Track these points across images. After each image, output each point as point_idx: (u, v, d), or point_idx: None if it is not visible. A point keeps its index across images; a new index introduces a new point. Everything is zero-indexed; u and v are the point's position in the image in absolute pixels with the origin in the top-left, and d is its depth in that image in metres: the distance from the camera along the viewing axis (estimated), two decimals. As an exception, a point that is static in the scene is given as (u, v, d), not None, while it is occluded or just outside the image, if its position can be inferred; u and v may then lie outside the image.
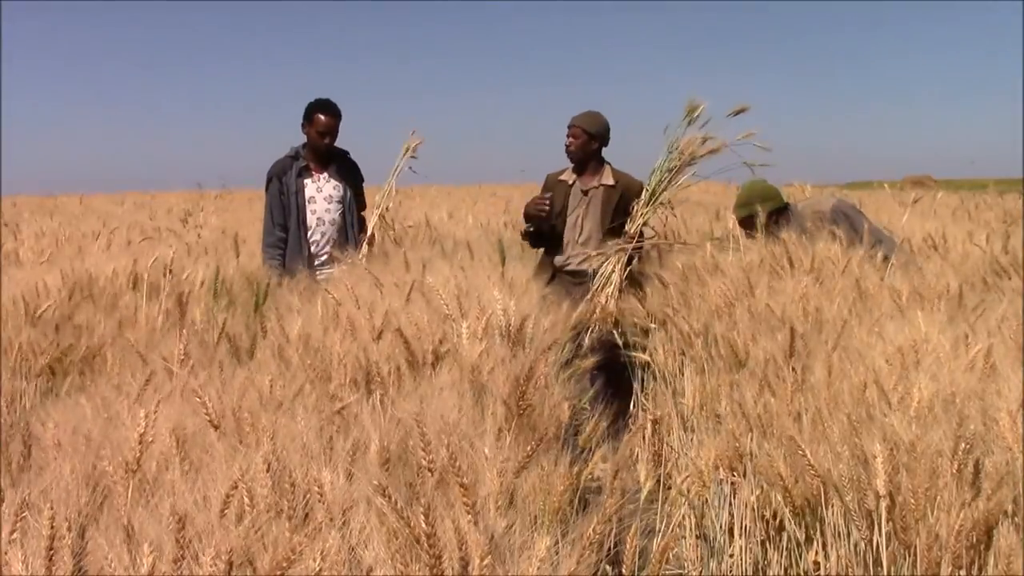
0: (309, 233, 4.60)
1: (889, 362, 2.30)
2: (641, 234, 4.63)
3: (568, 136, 4.75)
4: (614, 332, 4.43)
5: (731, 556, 2.51)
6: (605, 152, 4.82)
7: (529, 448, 1.67)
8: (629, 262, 4.54)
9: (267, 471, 1.49)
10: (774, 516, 2.41)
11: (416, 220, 7.33)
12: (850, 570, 2.08)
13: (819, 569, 2.23)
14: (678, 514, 2.64)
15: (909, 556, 1.82)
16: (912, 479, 1.82)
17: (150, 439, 1.63)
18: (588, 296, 4.44)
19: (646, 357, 3.99)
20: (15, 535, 1.34)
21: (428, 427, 1.62)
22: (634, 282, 4.55)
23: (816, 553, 2.24)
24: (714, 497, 2.55)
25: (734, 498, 2.51)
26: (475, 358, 2.27)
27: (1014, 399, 1.94)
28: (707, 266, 4.02)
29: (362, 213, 4.83)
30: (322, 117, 4.59)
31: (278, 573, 1.27)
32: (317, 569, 1.29)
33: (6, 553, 1.30)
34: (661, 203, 4.66)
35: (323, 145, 4.61)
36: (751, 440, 2.50)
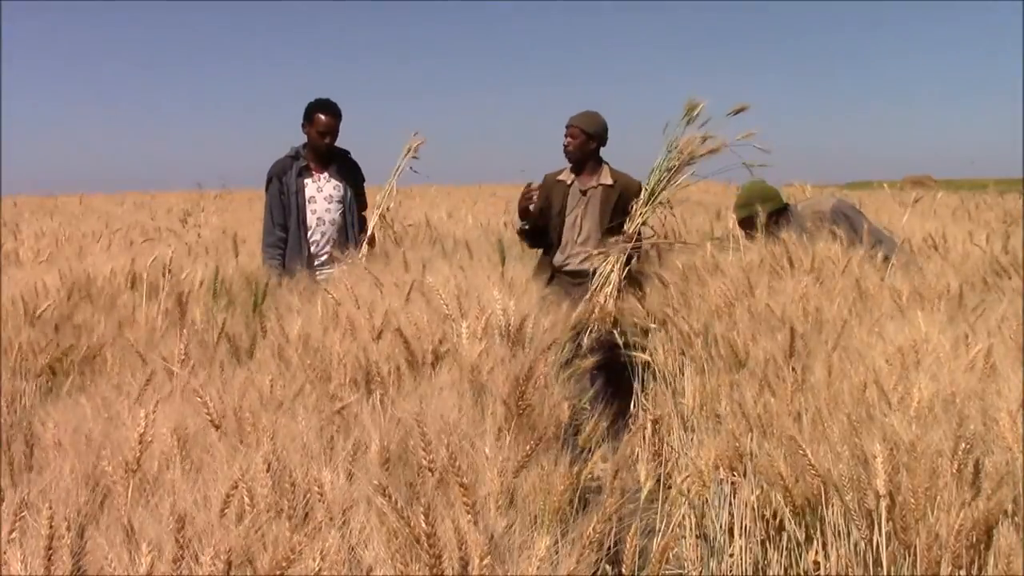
0: (309, 233, 4.60)
1: (889, 362, 2.30)
2: (639, 233, 4.63)
3: (566, 136, 4.75)
4: (614, 332, 4.43)
5: (731, 556, 2.51)
6: (603, 152, 4.82)
7: (528, 447, 1.67)
8: (628, 262, 4.54)
9: (267, 471, 1.49)
10: (774, 516, 2.41)
11: (416, 220, 7.32)
12: (850, 570, 2.07)
13: (819, 569, 2.23)
14: (678, 514, 2.64)
15: (909, 556, 1.82)
16: (912, 479, 1.82)
17: (150, 439, 1.63)
18: (587, 296, 4.44)
19: (646, 357, 3.99)
20: (14, 535, 1.34)
21: (428, 427, 1.62)
22: (633, 282, 4.55)
23: (816, 553, 2.24)
24: (714, 497, 2.55)
25: (734, 498, 2.51)
26: (475, 358, 2.27)
27: (1014, 399, 1.94)
28: (707, 266, 4.02)
29: (363, 213, 4.83)
30: (322, 117, 4.59)
31: (277, 573, 1.27)
32: (316, 569, 1.29)
33: (5, 553, 1.30)
34: (660, 203, 4.65)
35: (323, 145, 4.61)
36: (751, 440, 2.50)
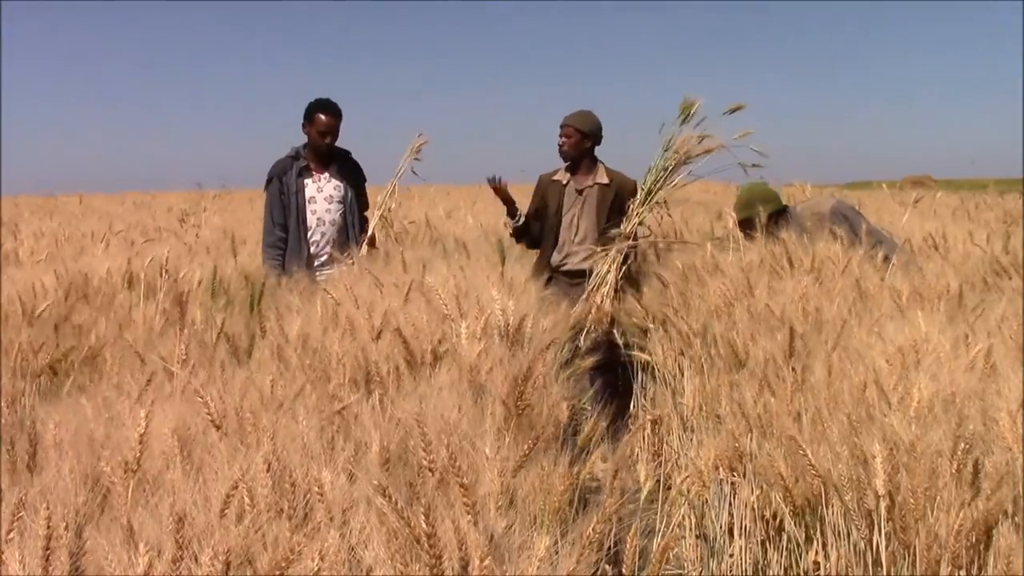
0: (309, 233, 4.59)
1: (889, 362, 2.30)
2: (636, 233, 4.62)
3: (561, 136, 4.74)
4: (613, 332, 4.43)
5: (731, 556, 2.50)
6: (599, 151, 4.82)
7: (526, 447, 1.67)
8: (624, 261, 4.54)
9: (267, 471, 1.48)
10: (774, 516, 2.41)
11: (416, 219, 7.32)
12: (850, 570, 2.07)
13: (819, 569, 2.23)
14: (678, 514, 2.63)
15: (909, 556, 1.82)
16: (912, 479, 1.82)
17: (150, 439, 1.63)
18: (584, 296, 4.43)
19: (646, 356, 3.99)
20: (12, 535, 1.33)
21: (428, 427, 1.62)
22: (631, 282, 4.55)
23: (816, 553, 2.23)
24: (714, 497, 2.54)
25: (734, 498, 2.51)
26: (474, 358, 2.27)
27: (1014, 399, 1.94)
28: (707, 266, 4.02)
29: (364, 213, 4.82)
30: (323, 117, 4.58)
31: (277, 573, 1.27)
32: (316, 569, 1.29)
33: (2, 553, 1.30)
34: (657, 202, 4.65)
35: (324, 145, 4.60)
36: (751, 440, 2.50)
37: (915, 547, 1.79)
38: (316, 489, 1.48)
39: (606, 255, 4.49)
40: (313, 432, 1.71)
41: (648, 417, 3.07)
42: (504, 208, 4.89)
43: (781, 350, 2.65)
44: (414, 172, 4.84)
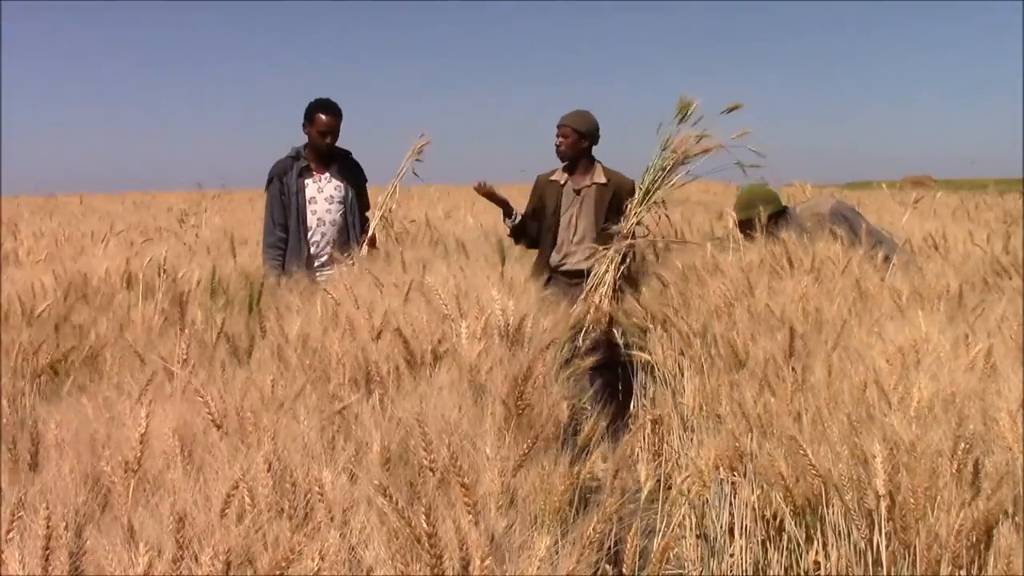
0: (309, 234, 4.59)
1: (889, 362, 2.30)
2: (634, 233, 4.62)
3: (558, 136, 4.74)
4: (613, 332, 4.43)
5: (731, 556, 2.50)
6: (596, 151, 4.81)
7: (525, 446, 1.67)
8: (623, 261, 4.53)
9: (268, 471, 1.48)
10: (774, 516, 2.41)
11: (416, 219, 7.32)
12: (850, 570, 2.07)
13: (819, 569, 2.23)
14: (678, 514, 2.63)
15: (909, 556, 1.82)
16: (912, 479, 1.82)
17: (151, 439, 1.63)
18: (582, 296, 4.43)
19: (646, 356, 3.99)
20: (11, 535, 1.33)
21: (429, 427, 1.62)
22: (629, 281, 4.55)
23: (816, 553, 2.23)
24: (714, 497, 2.54)
25: (734, 498, 2.51)
26: (474, 358, 2.27)
27: (1014, 399, 1.94)
28: (707, 266, 4.02)
29: (366, 214, 4.82)
30: (323, 116, 4.57)
31: (277, 573, 1.27)
32: (316, 569, 1.29)
33: (2, 552, 1.30)
34: (655, 202, 4.64)
35: (324, 145, 4.60)
36: (751, 440, 2.50)
37: (915, 547, 1.79)
38: (317, 489, 1.48)
39: (605, 254, 4.49)
40: (314, 432, 1.71)
41: (648, 417, 3.07)
42: (500, 210, 4.89)
43: (781, 350, 2.65)
44: (415, 173, 4.84)
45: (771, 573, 2.43)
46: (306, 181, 4.61)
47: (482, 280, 2.92)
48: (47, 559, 1.29)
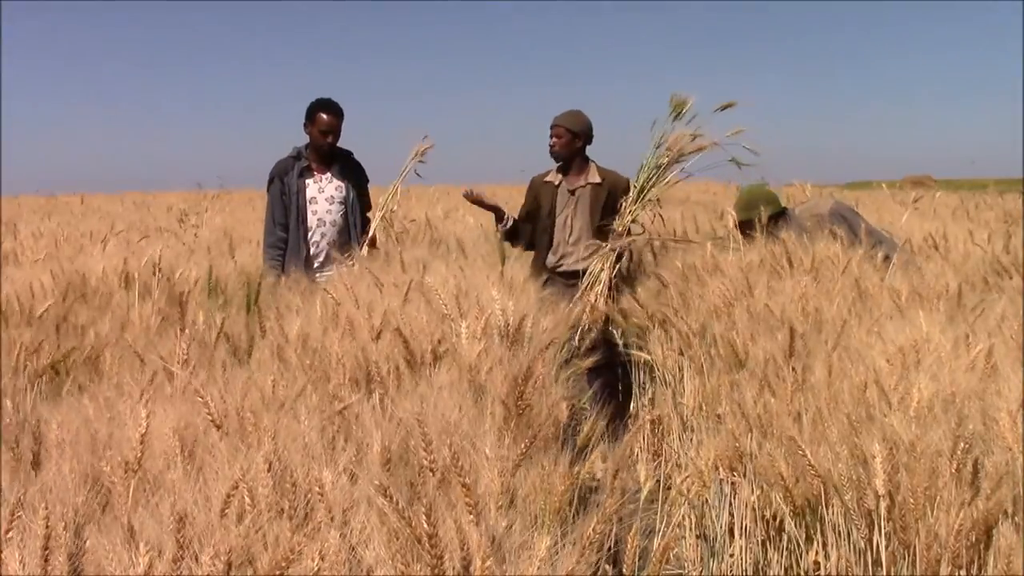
0: (309, 234, 4.58)
1: (889, 362, 2.30)
2: (629, 231, 4.62)
3: (552, 136, 4.73)
4: (612, 332, 4.43)
5: (731, 556, 2.50)
6: (590, 150, 4.81)
7: (523, 445, 1.67)
8: (618, 259, 4.53)
9: (268, 471, 1.48)
10: (774, 516, 2.41)
11: (416, 219, 7.31)
12: (850, 570, 2.07)
13: (819, 569, 2.23)
14: (678, 514, 2.63)
15: (909, 556, 1.82)
16: (912, 479, 1.82)
17: (151, 439, 1.63)
18: (577, 295, 4.43)
19: (646, 355, 4.00)
20: (11, 535, 1.33)
21: (429, 427, 1.62)
22: (626, 280, 4.55)
23: (816, 553, 2.23)
24: (714, 497, 2.54)
25: (734, 498, 2.51)
26: (474, 358, 2.27)
27: (1014, 399, 1.94)
28: (707, 266, 4.02)
29: (367, 214, 4.81)
30: (324, 116, 4.57)
31: (278, 573, 1.27)
32: (316, 569, 1.29)
33: (2, 552, 1.30)
34: (650, 200, 4.64)
35: (326, 144, 4.59)
36: (751, 440, 2.50)
37: (915, 547, 1.79)
38: (317, 489, 1.48)
39: (604, 250, 4.48)
40: (314, 432, 1.71)
41: (648, 417, 3.07)
42: (512, 207, 4.90)
43: (781, 350, 2.65)
44: (417, 174, 4.84)
45: (771, 573, 2.43)
46: (307, 181, 4.61)
47: (482, 280, 2.92)
48: (47, 559, 1.29)
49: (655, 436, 2.95)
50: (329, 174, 4.64)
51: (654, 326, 4.10)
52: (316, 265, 4.54)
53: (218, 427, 1.78)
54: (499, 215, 4.83)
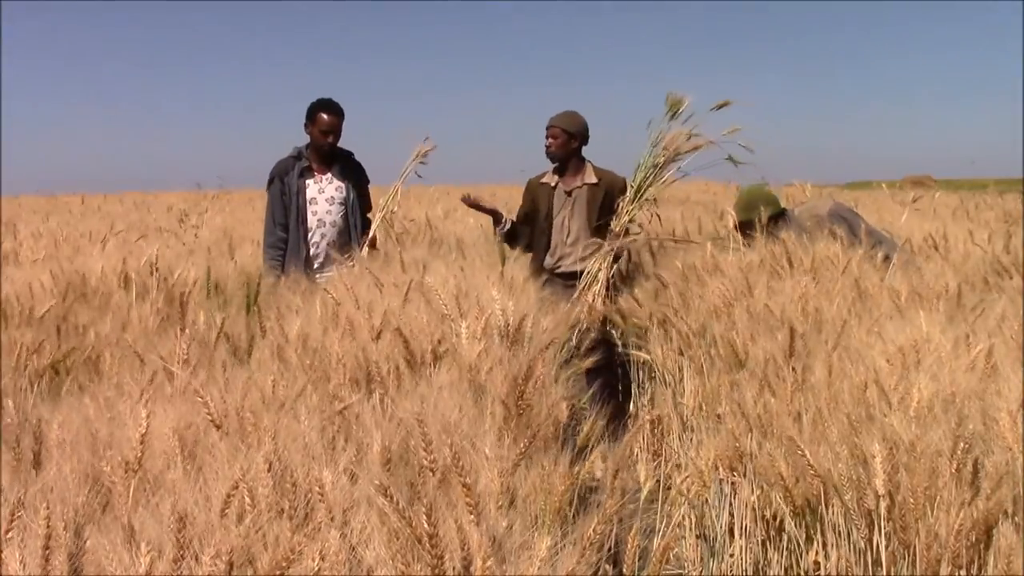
0: (309, 234, 4.58)
1: (889, 362, 2.30)
2: (627, 231, 4.61)
3: (547, 137, 4.73)
4: (611, 332, 4.43)
5: (731, 556, 2.50)
6: (588, 151, 4.81)
7: (523, 445, 1.67)
8: (616, 260, 4.53)
9: (268, 471, 1.48)
10: (774, 516, 2.41)
11: (416, 219, 7.32)
12: (850, 570, 2.07)
13: (819, 569, 2.23)
14: (678, 514, 2.63)
15: (909, 556, 1.82)
16: (912, 479, 1.82)
17: (151, 439, 1.63)
18: (575, 296, 4.43)
19: (645, 355, 4.00)
20: (11, 535, 1.33)
21: (429, 427, 1.62)
22: (625, 280, 4.54)
23: (816, 553, 2.24)
24: (714, 497, 2.54)
25: (734, 498, 2.51)
26: (474, 358, 2.27)
27: (1014, 399, 1.94)
28: (706, 266, 4.02)
29: (368, 215, 4.81)
30: (325, 116, 4.57)
31: (278, 573, 1.27)
32: (316, 569, 1.29)
33: (2, 552, 1.30)
34: (647, 200, 4.64)
35: (326, 144, 4.59)
36: (751, 440, 2.50)
37: (915, 547, 1.79)
38: (317, 489, 1.48)
39: (602, 249, 4.48)
40: (314, 432, 1.71)
41: (648, 417, 3.07)
42: (511, 207, 4.90)
43: (781, 350, 2.65)
44: (418, 175, 4.85)
45: (771, 573, 2.43)
46: (307, 181, 4.61)
47: (482, 280, 2.92)
48: (47, 559, 1.29)
49: (655, 436, 2.95)
50: (329, 174, 4.64)
51: (654, 326, 4.10)
52: (316, 265, 4.54)
53: (218, 427, 1.78)
54: (497, 218, 4.83)
